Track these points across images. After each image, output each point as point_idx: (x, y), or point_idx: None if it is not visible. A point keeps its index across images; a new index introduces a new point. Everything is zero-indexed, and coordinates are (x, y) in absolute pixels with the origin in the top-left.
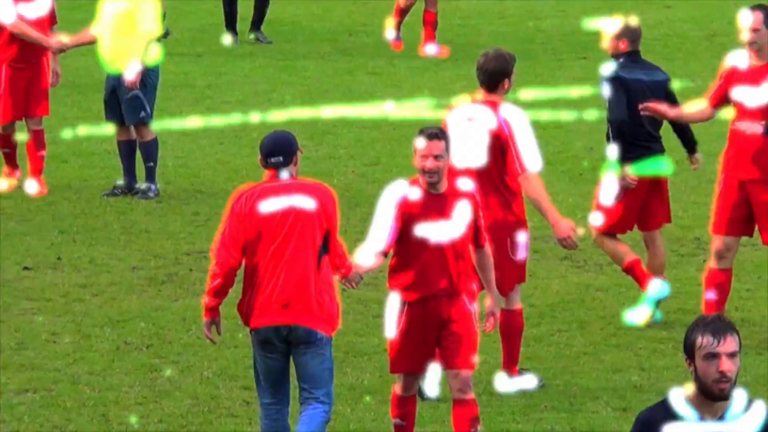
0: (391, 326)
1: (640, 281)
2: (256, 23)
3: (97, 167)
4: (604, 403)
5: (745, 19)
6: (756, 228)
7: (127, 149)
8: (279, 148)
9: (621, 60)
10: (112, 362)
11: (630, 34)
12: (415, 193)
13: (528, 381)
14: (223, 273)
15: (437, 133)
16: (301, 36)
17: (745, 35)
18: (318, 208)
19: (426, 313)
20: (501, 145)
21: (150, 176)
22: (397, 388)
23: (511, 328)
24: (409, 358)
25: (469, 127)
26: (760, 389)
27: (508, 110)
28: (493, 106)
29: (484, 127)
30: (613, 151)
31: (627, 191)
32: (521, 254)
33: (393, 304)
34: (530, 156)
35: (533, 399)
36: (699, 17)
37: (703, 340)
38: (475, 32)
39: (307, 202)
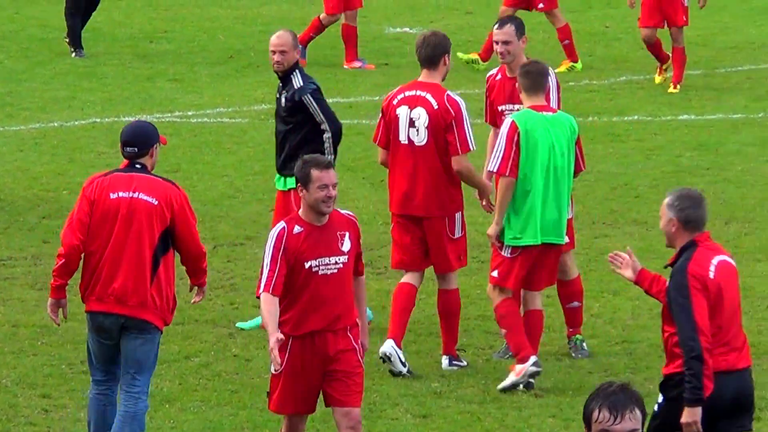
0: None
1: None
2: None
3: None
4: (403, 409)
5: (497, 33)
6: None
7: None
8: (135, 139)
9: (301, 70)
10: None
11: (298, 43)
12: (299, 230)
13: (462, 364)
14: (66, 253)
15: (330, 162)
16: (101, 43)
17: (497, 48)
18: (160, 205)
19: (312, 348)
20: (445, 127)
21: None
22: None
23: (450, 308)
24: (292, 397)
25: (415, 108)
26: (559, 396)
27: (453, 96)
28: (438, 90)
29: (430, 107)
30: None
31: None
32: (459, 233)
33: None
34: (469, 139)
35: None
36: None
37: (600, 415)
38: None
39: (149, 198)
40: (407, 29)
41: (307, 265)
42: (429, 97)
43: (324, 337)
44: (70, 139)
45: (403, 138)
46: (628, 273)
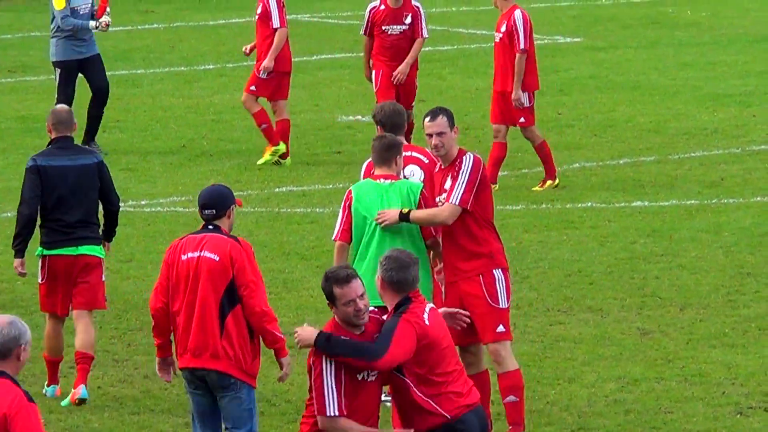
0: None
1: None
2: (91, 134)
3: None
4: None
5: (429, 125)
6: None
7: None
8: (212, 201)
9: (49, 149)
10: None
11: (53, 118)
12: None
13: None
14: (153, 315)
15: (350, 274)
16: None
17: (431, 141)
18: (221, 261)
19: None
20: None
21: None
22: None
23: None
24: None
25: (407, 166)
26: None
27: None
28: (418, 147)
29: (422, 162)
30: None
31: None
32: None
33: None
34: None
35: None
36: (453, 111)
37: None
38: (230, 127)
39: (212, 255)
40: (359, 117)
41: (359, 377)
42: (416, 154)
43: None
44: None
45: None
46: None
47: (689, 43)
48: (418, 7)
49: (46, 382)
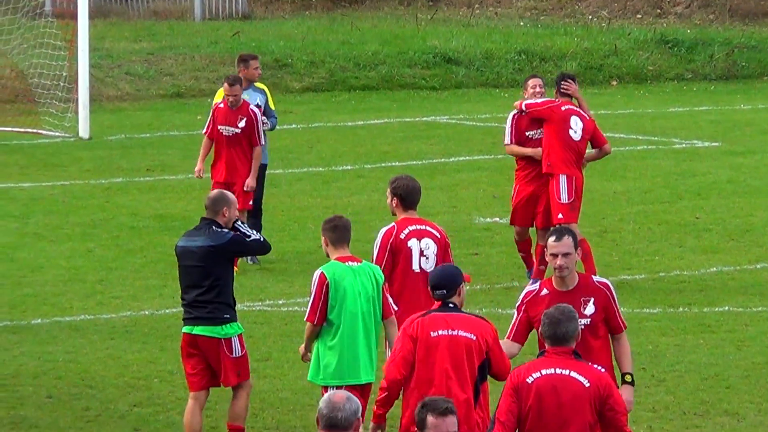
0: None
1: None
2: None
3: None
4: None
5: (556, 245)
6: None
7: None
8: (443, 282)
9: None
10: None
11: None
12: None
13: None
14: (388, 386)
15: (448, 408)
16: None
17: (555, 261)
18: (478, 340)
19: None
20: (444, 253)
21: None
22: None
23: None
24: None
25: (422, 239)
26: None
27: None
28: (430, 222)
29: (434, 237)
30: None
31: None
32: None
33: None
34: None
35: None
36: (591, 214)
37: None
38: (367, 228)
39: (468, 334)
40: (497, 219)
41: None
42: (429, 228)
43: None
44: (161, 327)
45: (415, 267)
46: None
47: None
48: None
49: None
